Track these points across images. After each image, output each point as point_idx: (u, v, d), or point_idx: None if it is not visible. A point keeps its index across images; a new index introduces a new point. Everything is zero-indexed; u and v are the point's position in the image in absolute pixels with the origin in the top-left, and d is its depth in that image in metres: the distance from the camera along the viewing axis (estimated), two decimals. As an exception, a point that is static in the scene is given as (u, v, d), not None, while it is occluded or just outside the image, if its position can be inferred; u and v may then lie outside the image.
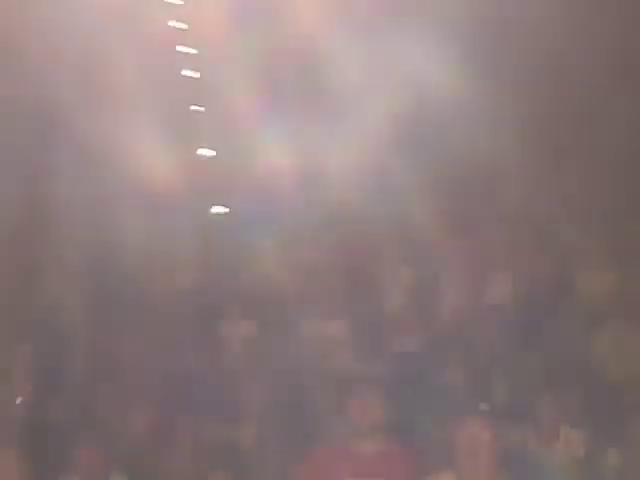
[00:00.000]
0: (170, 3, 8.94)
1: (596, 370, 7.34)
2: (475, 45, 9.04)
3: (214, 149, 9.03)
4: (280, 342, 7.37)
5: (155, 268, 8.06)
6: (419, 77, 8.65)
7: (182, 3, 8.91)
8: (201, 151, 8.97)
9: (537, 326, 7.63)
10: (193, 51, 9.07)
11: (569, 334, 7.55)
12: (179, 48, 9.07)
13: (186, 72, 9.10)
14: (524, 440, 6.62)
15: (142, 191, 8.37)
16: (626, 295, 7.74)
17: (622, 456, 6.60)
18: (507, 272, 8.23)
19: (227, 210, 8.68)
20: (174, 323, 7.56)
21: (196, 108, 9.04)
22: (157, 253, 8.15)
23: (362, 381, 6.11)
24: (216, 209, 8.73)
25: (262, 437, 6.77)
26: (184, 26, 9.02)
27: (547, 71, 9.21)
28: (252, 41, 8.78)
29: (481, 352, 7.46)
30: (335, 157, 8.63)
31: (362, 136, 8.56)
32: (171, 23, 9.04)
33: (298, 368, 7.16)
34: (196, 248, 8.19)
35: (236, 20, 8.61)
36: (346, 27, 8.51)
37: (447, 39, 8.68)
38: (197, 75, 9.02)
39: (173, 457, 6.68)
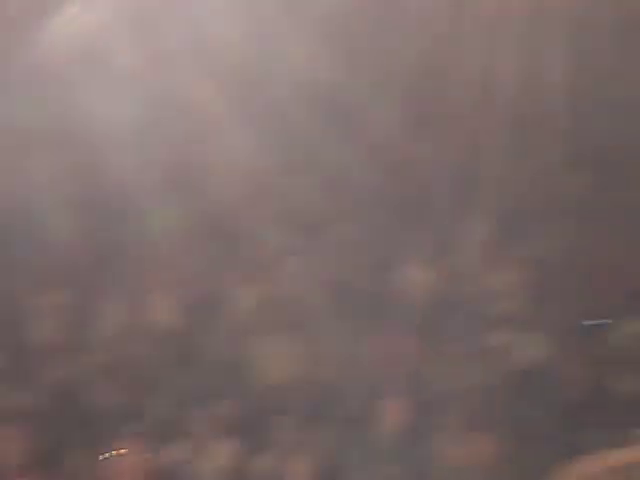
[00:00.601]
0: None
1: (248, 379, 7.68)
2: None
3: None
4: None
5: None
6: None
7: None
8: None
9: (192, 341, 7.88)
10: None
11: (222, 347, 7.85)
12: None
13: None
14: (178, 455, 6.83)
15: None
16: (275, 306, 8.13)
17: (273, 459, 6.98)
18: (167, 289, 8.41)
19: None
20: None
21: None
22: None
23: (12, 412, 6.09)
24: None
25: None
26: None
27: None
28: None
29: (140, 370, 7.61)
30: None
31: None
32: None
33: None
34: None
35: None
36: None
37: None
38: None
39: None
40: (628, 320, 7.63)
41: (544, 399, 7.06)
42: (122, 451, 5.92)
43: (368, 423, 7.23)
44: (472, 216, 8.93)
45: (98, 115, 8.59)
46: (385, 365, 7.59)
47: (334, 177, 9.01)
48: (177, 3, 9.15)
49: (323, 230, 8.66)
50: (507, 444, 6.76)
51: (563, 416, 6.92)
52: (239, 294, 8.23)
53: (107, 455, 5.92)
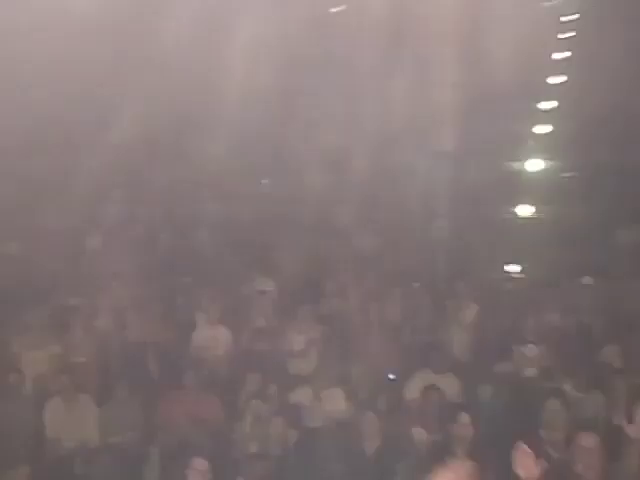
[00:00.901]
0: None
1: (41, 446, 7.44)
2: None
3: None
4: None
5: None
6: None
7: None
8: None
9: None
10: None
11: (14, 413, 7.58)
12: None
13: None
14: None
15: None
16: (69, 369, 7.92)
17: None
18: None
19: None
20: None
21: None
22: None
23: None
24: None
25: None
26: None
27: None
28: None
29: None
30: None
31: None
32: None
33: None
34: None
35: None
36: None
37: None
38: None
39: None
40: (422, 372, 7.80)
41: (345, 453, 7.08)
42: None
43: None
44: (267, 275, 9.02)
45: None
46: (185, 426, 7.47)
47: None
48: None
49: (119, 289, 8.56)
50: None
51: (364, 468, 6.96)
52: (30, 358, 7.99)
53: None
